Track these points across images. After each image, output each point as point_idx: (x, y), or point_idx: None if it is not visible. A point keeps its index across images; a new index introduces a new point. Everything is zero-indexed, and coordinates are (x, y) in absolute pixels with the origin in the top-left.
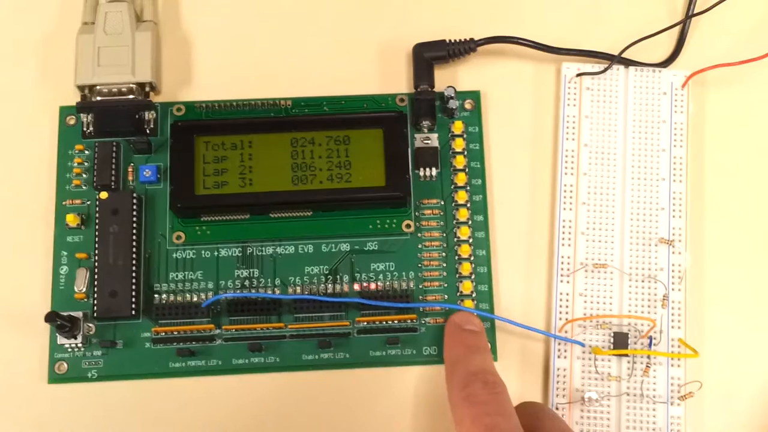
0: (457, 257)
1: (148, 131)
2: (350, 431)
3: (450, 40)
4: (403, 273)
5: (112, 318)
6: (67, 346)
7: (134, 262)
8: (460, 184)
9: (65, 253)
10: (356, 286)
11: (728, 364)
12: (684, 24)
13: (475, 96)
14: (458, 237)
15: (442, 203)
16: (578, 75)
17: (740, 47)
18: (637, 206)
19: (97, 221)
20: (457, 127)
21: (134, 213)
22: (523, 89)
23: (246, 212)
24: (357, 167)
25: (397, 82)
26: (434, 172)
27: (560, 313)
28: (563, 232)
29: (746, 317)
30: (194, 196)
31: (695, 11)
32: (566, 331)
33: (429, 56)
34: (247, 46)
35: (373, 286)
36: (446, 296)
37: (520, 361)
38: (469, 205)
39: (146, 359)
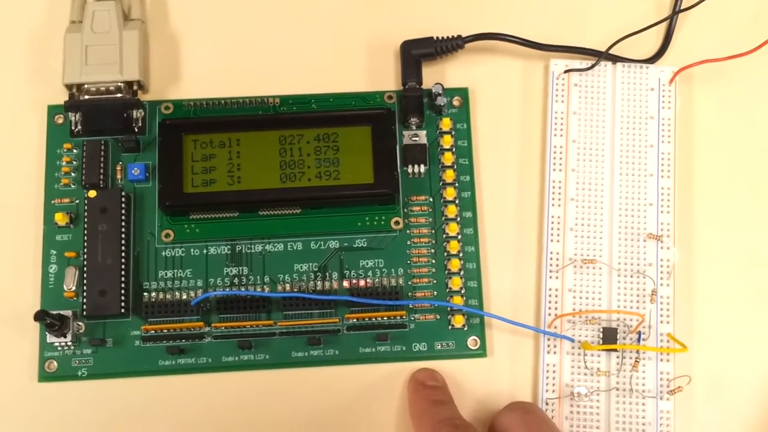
0: (446, 254)
1: (136, 130)
2: (340, 428)
3: (437, 37)
4: (392, 270)
5: (101, 316)
6: (56, 344)
7: (123, 260)
8: (449, 180)
9: (54, 252)
10: (345, 283)
11: (717, 358)
12: (671, 20)
13: (463, 93)
14: (447, 233)
15: (431, 200)
16: (566, 71)
17: (727, 43)
18: (626, 202)
19: (85, 220)
20: (445, 124)
21: (123, 211)
22: (511, 86)
23: (235, 210)
24: (345, 164)
25: (385, 79)
26: (422, 169)
27: (549, 308)
28: (552, 228)
29: (734, 311)
30: (183, 195)
31: (682, 7)
32: (555, 327)
33: (417, 53)
34: (235, 44)
35: (362, 283)
36: (435, 293)
37: (509, 357)
38: (457, 201)
39: (136, 357)
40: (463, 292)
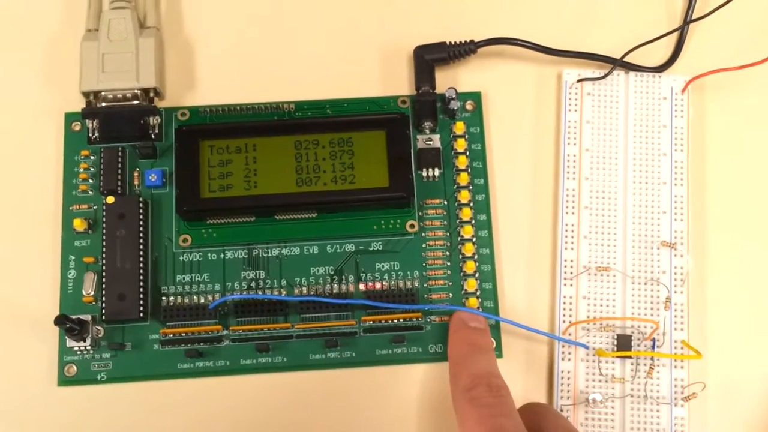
0: (461, 256)
1: (153, 136)
2: (358, 429)
3: (450, 42)
4: (408, 272)
5: (120, 321)
6: (76, 348)
7: (141, 265)
8: (463, 183)
9: (73, 258)
10: (362, 286)
11: (731, 365)
12: (682, 29)
13: (476, 97)
14: (462, 236)
15: (446, 203)
16: (579, 81)
17: (738, 52)
18: (639, 210)
19: (104, 225)
20: (459, 127)
21: (141, 217)
22: (524, 91)
23: (251, 214)
24: (360, 169)
25: (399, 84)
26: (437, 172)
27: (564, 315)
28: (566, 236)
29: (748, 318)
30: (200, 200)
31: (694, 17)
32: (570, 334)
33: (430, 58)
34: (250, 50)
35: (378, 285)
36: (451, 295)
37: (524, 363)
38: (472, 204)
39: (155, 361)
40: (478, 293)
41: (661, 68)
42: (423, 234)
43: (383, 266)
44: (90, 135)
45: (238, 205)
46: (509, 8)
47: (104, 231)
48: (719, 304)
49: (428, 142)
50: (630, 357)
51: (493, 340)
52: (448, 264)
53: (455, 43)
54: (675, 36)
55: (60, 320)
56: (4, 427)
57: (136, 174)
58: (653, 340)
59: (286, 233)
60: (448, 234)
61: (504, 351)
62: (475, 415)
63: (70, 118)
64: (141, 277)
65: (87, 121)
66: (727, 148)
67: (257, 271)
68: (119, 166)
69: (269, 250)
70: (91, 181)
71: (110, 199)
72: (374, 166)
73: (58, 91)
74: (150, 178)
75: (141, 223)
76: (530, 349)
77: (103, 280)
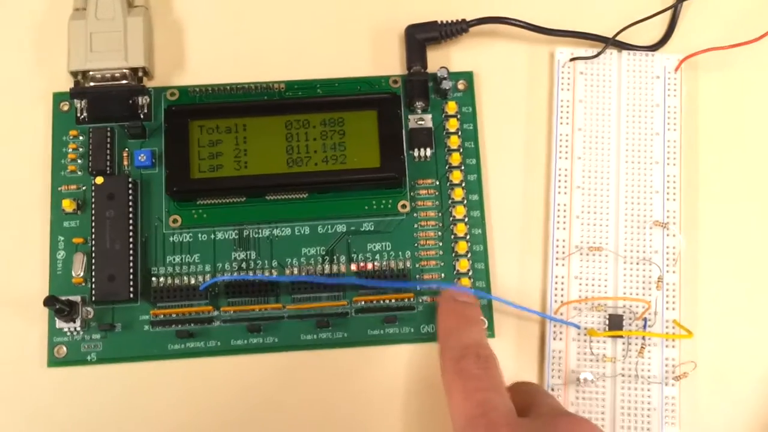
0: (453, 236)
1: (142, 116)
2: (349, 409)
3: (442, 21)
4: (400, 252)
5: (110, 301)
6: (65, 330)
7: (131, 245)
8: (455, 163)
9: (62, 239)
10: (353, 267)
11: (722, 344)
12: (675, 8)
13: (467, 76)
14: (454, 216)
15: (437, 183)
16: (572, 59)
17: (731, 31)
18: (632, 190)
19: (93, 206)
20: (451, 107)
21: (130, 197)
22: (516, 71)
23: (242, 195)
24: (351, 149)
25: (390, 63)
26: (428, 152)
27: (556, 295)
28: (558, 216)
29: (740, 298)
30: (189, 180)
31: None
32: (561, 314)
33: (421, 37)
34: (240, 29)
35: (369, 266)
36: (443, 275)
37: (516, 342)
38: (464, 184)
39: (145, 342)
40: (470, 274)
41: (654, 47)
42: (415, 214)
43: (375, 246)
44: (78, 115)
45: (228, 186)
46: None
47: (93, 211)
48: (711, 283)
49: (420, 122)
50: (621, 336)
51: (484, 319)
52: (440, 244)
53: (447, 22)
54: (668, 14)
55: (49, 301)
56: None
57: (125, 154)
58: (645, 319)
59: (276, 214)
60: (440, 214)
61: (495, 330)
62: (462, 388)
63: (58, 98)
64: (131, 258)
65: (75, 101)
66: (719, 127)
67: (248, 252)
68: (108, 146)
69: (260, 231)
70: (79, 161)
71: (99, 180)
72: (365, 147)
73: (46, 70)
74: (139, 158)
75: (130, 203)
76: (522, 329)
77: (93, 260)
